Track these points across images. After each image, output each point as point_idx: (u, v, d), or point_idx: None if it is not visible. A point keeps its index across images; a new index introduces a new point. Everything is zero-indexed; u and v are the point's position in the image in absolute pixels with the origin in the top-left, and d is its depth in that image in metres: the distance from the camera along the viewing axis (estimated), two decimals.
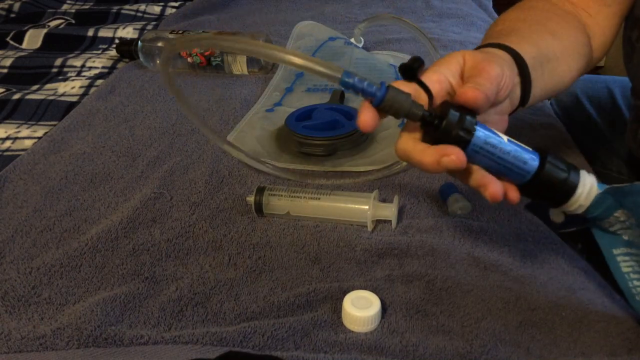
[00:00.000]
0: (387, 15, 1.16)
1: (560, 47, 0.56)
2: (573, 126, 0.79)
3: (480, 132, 0.41)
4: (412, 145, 0.42)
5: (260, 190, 0.60)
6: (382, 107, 0.41)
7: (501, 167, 0.42)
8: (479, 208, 0.61)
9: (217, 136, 0.63)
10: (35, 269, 0.53)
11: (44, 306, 0.50)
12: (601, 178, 0.66)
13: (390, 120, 0.77)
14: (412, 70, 0.41)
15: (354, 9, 1.25)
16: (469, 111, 0.41)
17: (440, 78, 0.43)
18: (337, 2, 1.29)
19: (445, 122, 0.40)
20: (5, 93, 0.89)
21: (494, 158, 0.42)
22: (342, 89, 0.80)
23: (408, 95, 0.41)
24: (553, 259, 0.54)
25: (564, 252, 0.55)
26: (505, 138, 0.42)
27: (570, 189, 0.43)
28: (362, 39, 1.01)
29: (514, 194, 0.43)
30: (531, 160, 0.42)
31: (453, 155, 0.40)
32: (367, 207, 0.57)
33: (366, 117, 0.41)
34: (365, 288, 0.49)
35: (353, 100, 0.83)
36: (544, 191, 0.43)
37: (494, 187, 0.42)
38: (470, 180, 0.43)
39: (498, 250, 0.55)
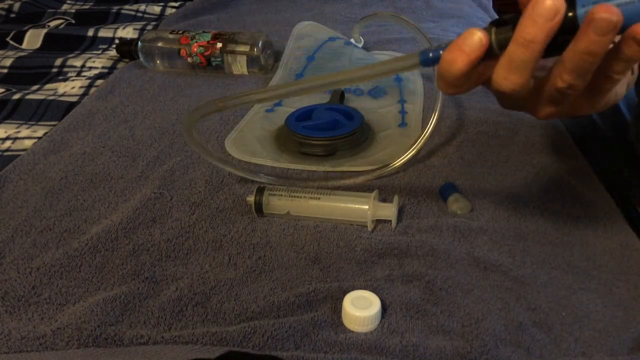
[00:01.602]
0: (385, 14, 1.16)
1: None
2: (573, 126, 0.79)
3: None
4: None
5: (260, 190, 0.60)
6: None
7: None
8: (479, 208, 0.61)
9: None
10: (35, 269, 0.53)
11: (44, 306, 0.50)
12: (601, 178, 0.66)
13: (390, 120, 0.77)
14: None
15: (354, 8, 1.25)
16: None
17: None
18: (337, 2, 1.29)
19: None
20: (5, 93, 0.89)
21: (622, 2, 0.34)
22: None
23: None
24: (553, 259, 0.54)
25: (564, 252, 0.55)
26: None
27: None
28: (362, 39, 1.01)
29: None
30: None
31: None
32: (367, 207, 0.57)
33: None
34: (365, 288, 0.49)
35: (353, 101, 0.83)
36: None
37: None
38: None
39: (498, 250, 0.55)
